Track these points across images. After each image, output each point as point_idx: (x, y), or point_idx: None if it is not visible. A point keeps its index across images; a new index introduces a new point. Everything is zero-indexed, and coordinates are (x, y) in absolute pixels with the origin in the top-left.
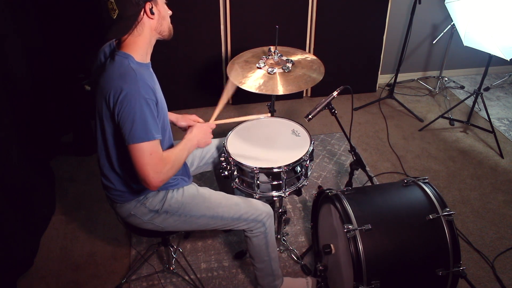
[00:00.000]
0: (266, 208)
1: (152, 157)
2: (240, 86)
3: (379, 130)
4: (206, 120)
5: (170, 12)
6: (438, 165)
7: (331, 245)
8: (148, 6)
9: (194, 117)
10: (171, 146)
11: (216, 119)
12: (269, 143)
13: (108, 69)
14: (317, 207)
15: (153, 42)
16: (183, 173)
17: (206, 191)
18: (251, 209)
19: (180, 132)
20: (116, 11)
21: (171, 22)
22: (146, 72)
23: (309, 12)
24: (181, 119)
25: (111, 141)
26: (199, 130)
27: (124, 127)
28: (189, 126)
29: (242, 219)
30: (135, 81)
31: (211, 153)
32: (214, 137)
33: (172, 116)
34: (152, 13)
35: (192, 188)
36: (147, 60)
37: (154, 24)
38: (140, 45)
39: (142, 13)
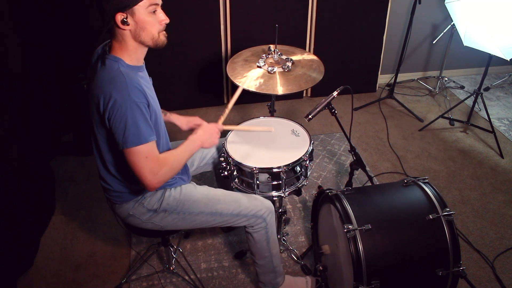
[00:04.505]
0: (267, 203)
1: (147, 160)
2: (240, 86)
3: (379, 130)
4: (207, 120)
5: (164, 21)
6: (438, 165)
7: (323, 246)
8: (119, 16)
9: (197, 119)
10: (167, 147)
11: (224, 123)
12: (269, 143)
13: (98, 73)
14: (317, 207)
15: (141, 49)
16: (182, 173)
17: (204, 189)
18: (251, 205)
19: (180, 132)
20: (102, 19)
21: (170, 28)
22: (138, 75)
23: (309, 12)
24: (186, 124)
25: (104, 145)
26: (204, 130)
27: (117, 132)
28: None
29: (242, 215)
30: (125, 85)
31: (211, 153)
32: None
33: (178, 121)
34: (126, 24)
35: (190, 186)
36: (140, 63)
37: (131, 34)
38: (126, 50)
39: (112, 22)
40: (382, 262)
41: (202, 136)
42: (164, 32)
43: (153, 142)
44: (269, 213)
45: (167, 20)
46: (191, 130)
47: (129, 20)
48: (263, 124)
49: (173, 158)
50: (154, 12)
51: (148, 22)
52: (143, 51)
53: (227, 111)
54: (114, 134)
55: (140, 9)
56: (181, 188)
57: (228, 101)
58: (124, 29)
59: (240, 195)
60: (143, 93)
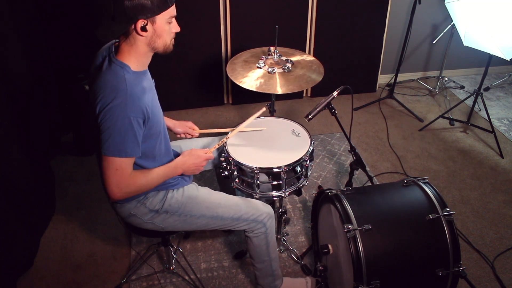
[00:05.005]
0: (267, 208)
1: (117, 173)
2: (240, 85)
3: (379, 130)
4: (205, 122)
5: (176, 30)
6: (438, 165)
7: (329, 245)
8: (141, 22)
9: (190, 124)
10: (167, 151)
11: (222, 125)
12: (269, 143)
13: (103, 76)
14: (317, 207)
15: (150, 54)
16: None
17: (206, 191)
18: (251, 210)
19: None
20: (112, 12)
21: None
22: (141, 81)
23: (309, 12)
24: (178, 125)
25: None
26: (189, 158)
27: (102, 136)
28: (186, 133)
29: (242, 219)
30: (125, 96)
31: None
32: (214, 136)
33: (169, 122)
34: (145, 30)
35: (192, 188)
36: (145, 67)
37: (147, 40)
38: (135, 54)
39: (132, 26)
40: (382, 262)
41: (187, 163)
42: (173, 40)
43: (131, 158)
44: (269, 218)
45: (179, 29)
46: (180, 135)
47: (149, 27)
48: (264, 124)
49: (144, 180)
50: (170, 22)
51: (165, 30)
52: (151, 56)
53: (225, 140)
54: (100, 135)
55: (161, 18)
56: (183, 189)
57: (236, 127)
58: (141, 35)
59: (240, 200)
60: (141, 107)
